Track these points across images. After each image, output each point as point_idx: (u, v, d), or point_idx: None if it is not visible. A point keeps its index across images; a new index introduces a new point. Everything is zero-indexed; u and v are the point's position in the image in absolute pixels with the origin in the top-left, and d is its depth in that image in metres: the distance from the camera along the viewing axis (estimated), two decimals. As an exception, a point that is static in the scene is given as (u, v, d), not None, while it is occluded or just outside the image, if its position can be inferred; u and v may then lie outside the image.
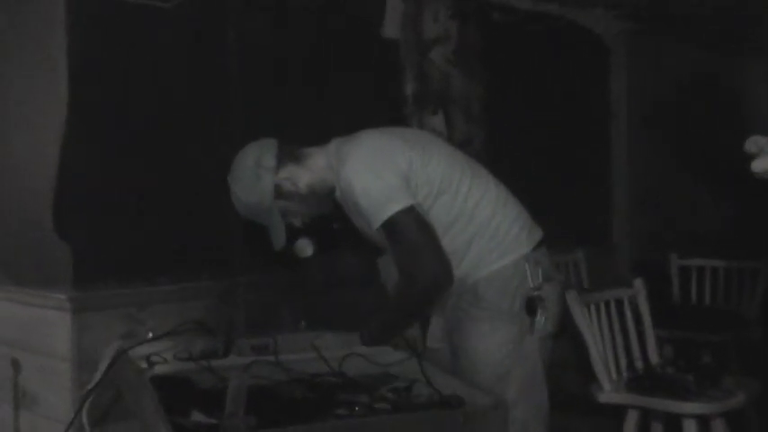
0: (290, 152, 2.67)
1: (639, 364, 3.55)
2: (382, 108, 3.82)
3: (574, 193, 5.13)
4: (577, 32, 5.29)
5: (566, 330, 3.33)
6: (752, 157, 1.86)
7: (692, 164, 5.74)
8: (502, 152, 4.42)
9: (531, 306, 2.58)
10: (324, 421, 1.97)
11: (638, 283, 3.68)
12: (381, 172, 2.52)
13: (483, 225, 2.60)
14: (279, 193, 2.63)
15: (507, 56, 4.66)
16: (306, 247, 2.89)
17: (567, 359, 3.91)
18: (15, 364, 3.18)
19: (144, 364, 2.36)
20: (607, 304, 3.53)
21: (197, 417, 1.95)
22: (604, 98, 5.66)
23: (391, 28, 3.97)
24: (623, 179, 5.74)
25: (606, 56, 5.62)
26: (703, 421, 3.24)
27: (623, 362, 3.52)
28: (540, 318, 2.60)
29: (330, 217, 2.77)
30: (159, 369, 2.33)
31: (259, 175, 2.60)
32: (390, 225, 2.50)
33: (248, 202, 2.63)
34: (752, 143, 1.81)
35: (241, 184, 2.62)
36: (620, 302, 3.60)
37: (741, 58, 6.23)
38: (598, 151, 5.61)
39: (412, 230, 2.51)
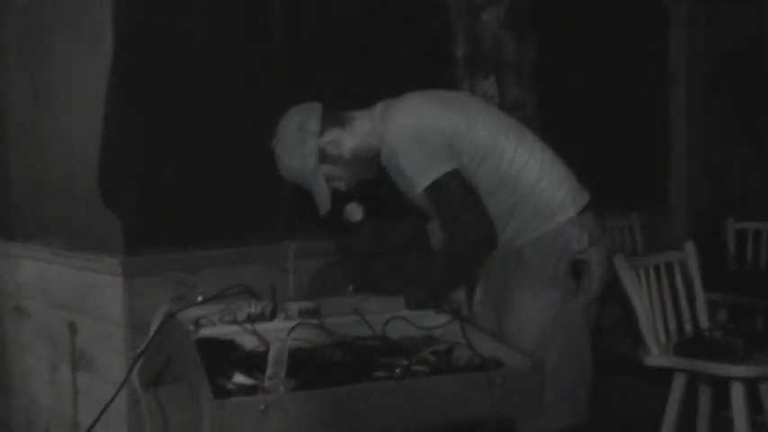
0: (334, 116, 2.66)
1: (689, 328, 3.52)
2: (432, 71, 3.76)
3: (630, 156, 5.05)
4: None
5: (615, 294, 3.32)
6: None
7: (751, 126, 5.62)
8: (555, 115, 4.35)
9: (575, 270, 2.59)
10: (361, 383, 1.98)
11: (689, 247, 3.63)
12: (425, 135, 2.52)
13: (528, 189, 2.60)
14: (323, 157, 2.62)
15: (560, 17, 4.58)
16: (355, 212, 2.90)
17: (617, 323, 3.88)
18: (72, 327, 3.22)
19: (192, 327, 2.39)
20: (657, 268, 3.48)
21: (238, 378, 1.97)
22: (663, 59, 5.53)
23: (441, -12, 3.91)
24: (682, 141, 5.62)
25: (666, 14, 5.49)
26: (751, 385, 3.21)
27: (672, 326, 3.48)
28: (584, 281, 2.59)
29: (378, 182, 2.77)
30: (204, 332, 2.36)
31: (303, 139, 2.60)
32: (434, 188, 2.51)
33: (292, 166, 2.63)
34: None
35: (285, 149, 2.63)
36: (670, 266, 3.55)
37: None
38: (656, 114, 5.49)
39: (455, 194, 2.52)
